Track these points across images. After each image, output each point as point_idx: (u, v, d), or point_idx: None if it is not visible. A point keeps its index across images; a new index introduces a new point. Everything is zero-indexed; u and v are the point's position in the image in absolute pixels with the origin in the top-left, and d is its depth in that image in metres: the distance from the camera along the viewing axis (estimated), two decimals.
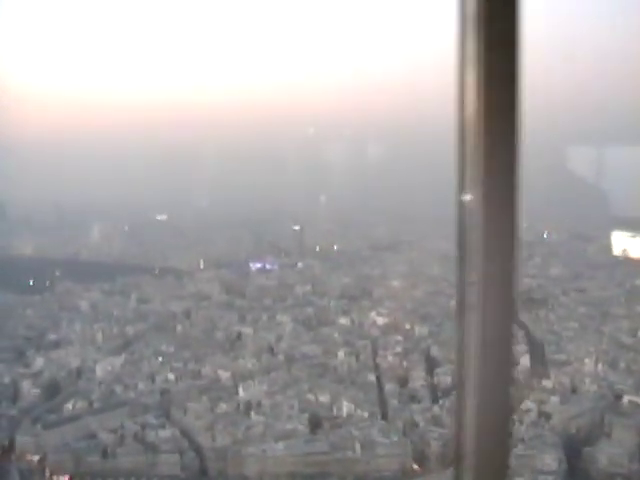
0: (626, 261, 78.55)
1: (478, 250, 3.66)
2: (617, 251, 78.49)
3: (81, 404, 59.78)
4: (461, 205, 3.72)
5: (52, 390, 62.55)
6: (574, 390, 59.33)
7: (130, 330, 73.67)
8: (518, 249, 3.65)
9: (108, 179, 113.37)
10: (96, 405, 59.72)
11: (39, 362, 66.52)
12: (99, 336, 71.86)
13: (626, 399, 56.39)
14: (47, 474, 52.18)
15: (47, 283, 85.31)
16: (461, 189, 3.71)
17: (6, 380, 63.38)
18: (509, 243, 3.66)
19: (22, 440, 54.81)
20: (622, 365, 61.71)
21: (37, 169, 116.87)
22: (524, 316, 69.58)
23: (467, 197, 3.68)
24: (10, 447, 54.95)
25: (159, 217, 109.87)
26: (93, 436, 55.31)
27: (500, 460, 3.84)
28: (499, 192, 3.65)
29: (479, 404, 3.77)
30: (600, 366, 61.55)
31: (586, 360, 62.27)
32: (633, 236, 72.71)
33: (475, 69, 3.67)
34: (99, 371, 65.05)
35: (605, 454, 50.06)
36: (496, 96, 3.67)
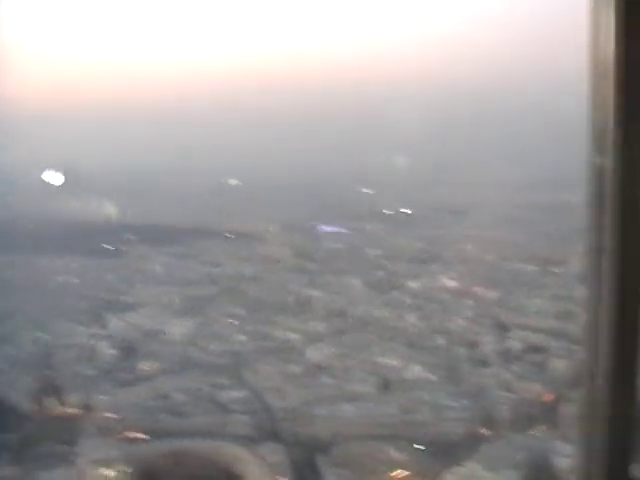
0: None
1: (612, 194, 3.55)
2: None
3: (155, 365, 61.28)
4: (595, 164, 3.59)
5: (127, 351, 64.19)
6: None
7: (202, 293, 74.86)
8: None
9: (181, 144, 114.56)
10: (169, 366, 61.10)
11: (115, 324, 68.29)
12: (172, 299, 73.19)
13: None
14: (122, 431, 53.74)
15: (123, 247, 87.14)
16: (596, 148, 3.57)
17: (84, 341, 65.28)
18: None
19: (99, 399, 56.59)
20: None
21: (115, 135, 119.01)
22: None
23: (602, 158, 3.54)
24: (87, 405, 56.78)
25: (231, 181, 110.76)
26: (167, 396, 56.72)
27: (630, 381, 3.79)
28: (636, 153, 3.47)
29: (609, 329, 3.71)
30: None
31: None
32: None
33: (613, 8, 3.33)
34: (172, 333, 66.42)
35: None
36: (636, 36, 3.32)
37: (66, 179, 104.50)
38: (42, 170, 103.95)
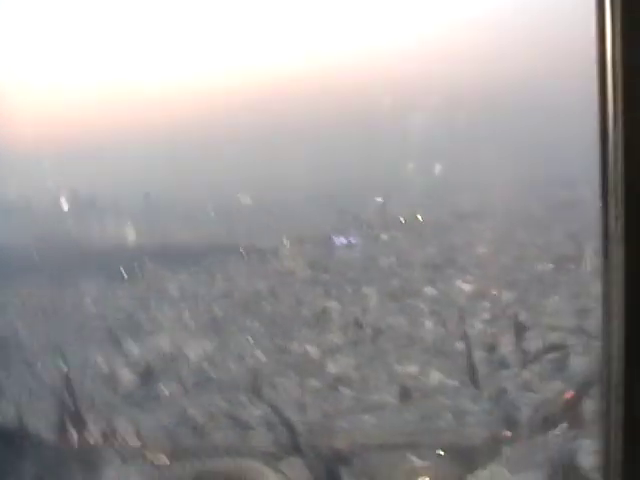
0: None
1: (621, 185, 3.59)
2: None
3: (175, 387, 61.37)
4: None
5: (147, 375, 64.29)
6: None
7: (218, 311, 74.90)
8: None
9: (190, 163, 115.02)
10: (189, 388, 61.15)
11: (133, 348, 68.42)
12: (189, 319, 73.28)
13: None
14: (145, 455, 53.84)
15: (137, 270, 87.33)
16: (603, 145, 3.63)
17: (101, 366, 65.44)
18: None
19: (120, 423, 56.78)
20: None
21: (125, 159, 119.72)
22: None
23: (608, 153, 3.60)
24: (109, 431, 56.93)
25: (242, 197, 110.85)
26: (188, 418, 56.73)
27: None
28: None
29: (626, 337, 3.74)
30: None
31: None
32: None
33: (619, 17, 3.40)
34: (191, 354, 66.45)
35: None
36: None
37: (79, 204, 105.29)
38: (55, 197, 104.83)
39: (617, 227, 3.64)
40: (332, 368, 61.45)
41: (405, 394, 56.99)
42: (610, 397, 3.86)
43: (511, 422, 52.03)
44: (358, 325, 69.18)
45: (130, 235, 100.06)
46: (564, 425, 50.47)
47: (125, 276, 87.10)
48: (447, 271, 78.96)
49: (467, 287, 73.94)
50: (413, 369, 59.68)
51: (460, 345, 63.18)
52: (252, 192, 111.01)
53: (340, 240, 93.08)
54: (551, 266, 75.09)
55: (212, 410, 57.29)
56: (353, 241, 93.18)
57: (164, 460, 53.32)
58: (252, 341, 67.26)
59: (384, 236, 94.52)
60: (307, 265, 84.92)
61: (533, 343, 61.28)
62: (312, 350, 64.48)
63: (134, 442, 55.43)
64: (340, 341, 65.92)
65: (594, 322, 59.11)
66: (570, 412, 51.30)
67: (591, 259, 72.80)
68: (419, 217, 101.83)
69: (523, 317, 66.01)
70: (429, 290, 74.55)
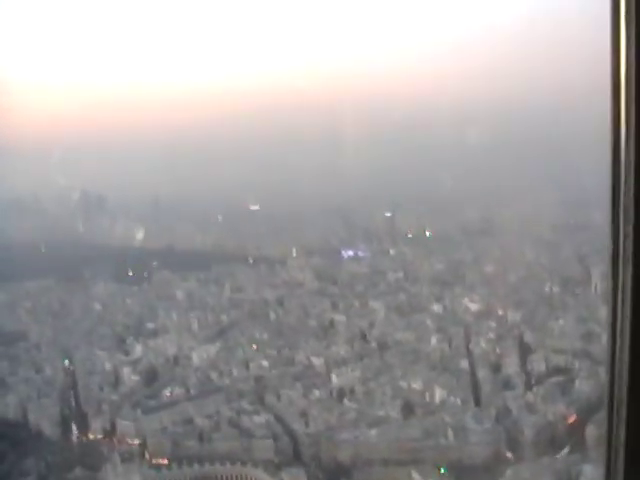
0: None
1: (632, 204, 3.59)
2: None
3: (178, 390, 61.35)
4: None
5: (151, 377, 64.30)
6: None
7: (225, 318, 74.97)
8: None
9: (201, 172, 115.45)
10: (193, 391, 61.15)
11: (138, 350, 68.45)
12: (195, 324, 73.29)
13: None
14: (146, 457, 53.79)
15: (145, 273, 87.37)
16: (615, 167, 3.61)
17: (107, 367, 65.48)
18: None
19: (122, 424, 56.73)
20: None
21: (135, 164, 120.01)
22: None
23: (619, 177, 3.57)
24: (111, 431, 56.94)
25: (252, 207, 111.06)
26: (190, 421, 56.72)
27: None
28: None
29: (632, 355, 3.71)
30: None
31: None
32: None
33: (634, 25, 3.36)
34: (195, 358, 66.48)
35: None
36: None
37: (90, 206, 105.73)
38: (67, 197, 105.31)
39: (626, 246, 3.61)
40: (337, 381, 61.41)
41: (409, 410, 56.85)
42: (613, 419, 3.82)
43: (514, 443, 51.84)
44: (364, 339, 69.16)
45: (138, 238, 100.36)
46: (567, 449, 50.32)
47: (133, 278, 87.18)
48: (454, 288, 78.64)
49: (473, 305, 73.78)
50: (417, 385, 59.54)
51: (465, 363, 63.10)
52: (260, 201, 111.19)
53: (349, 253, 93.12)
54: (558, 288, 74.89)
55: (215, 416, 57.22)
56: (361, 254, 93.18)
57: (165, 462, 53.22)
58: (258, 350, 67.28)
59: (392, 251, 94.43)
60: (315, 276, 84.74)
61: (538, 365, 61.20)
62: (317, 362, 64.47)
63: (135, 443, 55.38)
64: (346, 354, 65.84)
65: (600, 347, 59.01)
66: (573, 436, 51.19)
67: (599, 283, 72.60)
68: (427, 233, 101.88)
69: (528, 338, 65.90)
70: (436, 307, 74.40)
